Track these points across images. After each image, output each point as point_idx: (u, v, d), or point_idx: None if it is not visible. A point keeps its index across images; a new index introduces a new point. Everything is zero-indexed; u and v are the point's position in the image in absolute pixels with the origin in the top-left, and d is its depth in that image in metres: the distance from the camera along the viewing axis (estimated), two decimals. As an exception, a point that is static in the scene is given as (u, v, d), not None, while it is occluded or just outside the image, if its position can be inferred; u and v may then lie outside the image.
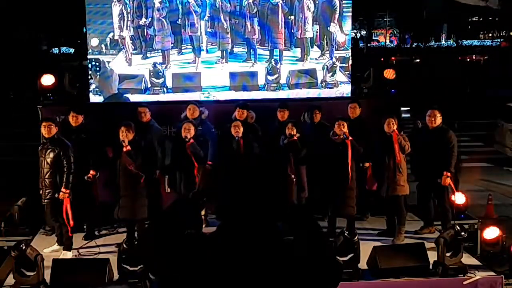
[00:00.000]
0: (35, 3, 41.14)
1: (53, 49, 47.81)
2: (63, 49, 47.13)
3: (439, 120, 8.60)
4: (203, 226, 8.90)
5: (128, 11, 11.54)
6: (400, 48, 59.22)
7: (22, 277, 6.92)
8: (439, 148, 8.50)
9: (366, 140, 8.79)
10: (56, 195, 7.88)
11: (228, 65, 11.74)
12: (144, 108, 9.08)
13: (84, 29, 11.48)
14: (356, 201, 8.51)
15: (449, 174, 8.44)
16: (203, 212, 8.86)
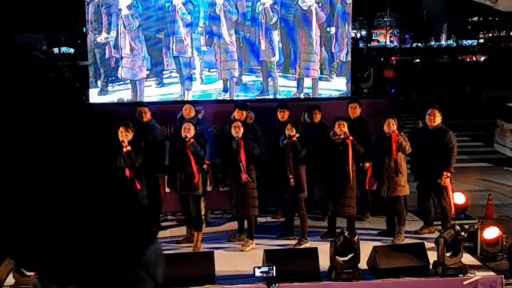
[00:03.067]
0: (35, 3, 41.20)
1: (53, 49, 47.88)
2: (63, 49, 47.22)
3: (438, 119, 8.59)
4: (204, 226, 8.93)
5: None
6: (401, 48, 59.27)
7: (22, 277, 6.91)
8: (439, 148, 8.50)
9: (366, 140, 8.80)
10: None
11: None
12: (144, 107, 9.06)
13: (84, 29, 11.02)
14: (356, 201, 8.52)
15: (449, 174, 8.44)
16: (203, 212, 8.87)
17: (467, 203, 9.56)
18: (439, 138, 8.52)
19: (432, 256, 7.40)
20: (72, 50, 47.26)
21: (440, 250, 7.27)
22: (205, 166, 8.56)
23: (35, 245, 1.28)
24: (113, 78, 8.67)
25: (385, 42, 68.45)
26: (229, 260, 7.75)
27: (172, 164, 8.53)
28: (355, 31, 58.81)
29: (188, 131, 8.08)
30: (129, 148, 7.87)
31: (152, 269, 1.51)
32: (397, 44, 68.72)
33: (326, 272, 7.24)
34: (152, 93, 8.76)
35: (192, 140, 8.05)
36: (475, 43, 65.50)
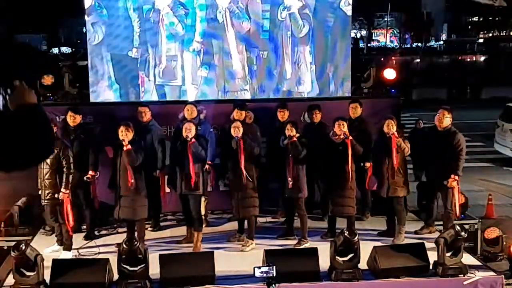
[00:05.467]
0: (36, 3, 41.26)
1: (53, 49, 47.95)
2: (63, 49, 47.29)
3: (448, 120, 8.53)
4: (204, 226, 8.95)
5: None
6: (401, 47, 59.29)
7: (22, 277, 6.91)
8: (447, 150, 8.45)
9: (367, 140, 8.80)
10: (56, 195, 7.87)
11: None
12: (144, 107, 9.05)
13: (84, 29, 10.98)
14: (356, 201, 8.52)
15: (456, 177, 8.41)
16: (203, 212, 8.87)
17: (467, 203, 9.56)
18: (448, 140, 8.46)
19: (432, 256, 7.40)
20: (71, 50, 47.35)
21: (440, 250, 7.28)
22: (207, 166, 8.55)
23: None
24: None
25: (385, 42, 68.52)
26: (229, 260, 7.75)
27: (172, 164, 8.53)
28: (355, 31, 58.85)
29: (189, 131, 8.08)
30: (129, 147, 7.89)
31: None
32: (397, 44, 68.77)
33: (326, 272, 7.25)
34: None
35: (193, 140, 8.05)
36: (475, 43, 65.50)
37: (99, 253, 8.16)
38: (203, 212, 8.87)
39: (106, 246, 8.39)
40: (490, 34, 71.61)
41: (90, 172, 8.52)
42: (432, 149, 8.62)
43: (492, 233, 8.32)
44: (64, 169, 7.85)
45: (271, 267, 6.24)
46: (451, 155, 8.43)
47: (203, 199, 8.81)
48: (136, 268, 7.02)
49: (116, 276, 7.12)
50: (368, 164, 8.94)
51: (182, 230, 8.79)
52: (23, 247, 6.85)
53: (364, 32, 68.25)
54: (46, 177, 7.91)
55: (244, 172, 8.09)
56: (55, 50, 47.65)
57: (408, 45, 67.11)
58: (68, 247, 8.12)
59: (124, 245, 7.10)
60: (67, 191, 7.86)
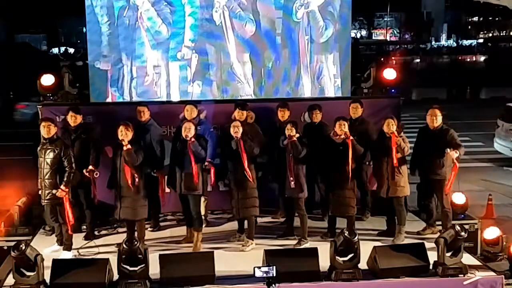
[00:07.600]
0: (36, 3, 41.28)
1: (53, 49, 47.98)
2: (63, 49, 47.33)
3: (440, 119, 8.59)
4: (204, 226, 8.94)
5: None
6: (401, 47, 59.29)
7: (22, 277, 6.91)
8: (442, 148, 8.47)
9: (367, 140, 8.79)
10: (56, 194, 7.86)
11: None
12: (143, 107, 9.03)
13: (84, 29, 10.95)
14: (356, 201, 8.52)
15: (457, 153, 8.22)
16: (203, 212, 8.87)
17: (467, 203, 9.56)
18: (442, 138, 8.50)
19: (432, 256, 7.40)
20: (72, 50, 47.38)
21: (440, 250, 7.28)
22: (206, 163, 8.52)
23: None
24: None
25: (385, 42, 68.50)
26: (229, 260, 7.75)
27: (172, 163, 8.53)
28: (355, 31, 58.88)
29: (189, 131, 8.09)
30: (129, 147, 7.89)
31: None
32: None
33: (326, 272, 7.25)
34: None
35: (193, 139, 8.06)
36: (475, 43, 65.52)
37: (99, 253, 8.16)
38: (203, 212, 8.86)
39: (106, 246, 8.39)
40: (490, 34, 71.62)
41: (90, 167, 8.46)
42: (426, 148, 8.63)
43: (492, 233, 8.32)
44: (66, 168, 7.84)
45: (271, 267, 6.24)
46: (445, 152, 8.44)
47: (202, 199, 8.80)
48: (136, 268, 7.02)
49: (116, 276, 7.12)
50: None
51: (182, 230, 8.79)
52: (23, 247, 6.85)
53: (364, 32, 68.27)
54: (46, 177, 7.90)
55: (248, 172, 8.09)
56: (55, 50, 47.67)
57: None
58: (68, 247, 8.11)
59: (124, 245, 7.10)
60: (66, 189, 7.85)
